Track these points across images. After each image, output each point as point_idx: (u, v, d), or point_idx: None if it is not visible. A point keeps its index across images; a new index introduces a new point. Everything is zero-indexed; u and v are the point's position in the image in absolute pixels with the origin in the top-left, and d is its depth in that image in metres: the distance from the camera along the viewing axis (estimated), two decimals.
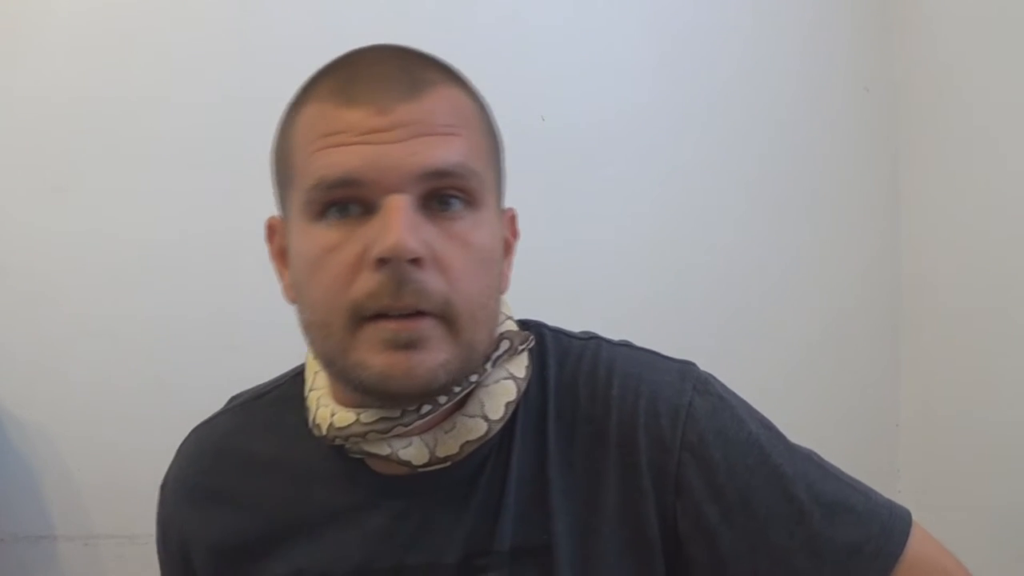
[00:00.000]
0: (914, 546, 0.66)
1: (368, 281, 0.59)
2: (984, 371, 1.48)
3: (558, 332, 0.74)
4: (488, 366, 0.66)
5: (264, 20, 1.46)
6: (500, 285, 0.67)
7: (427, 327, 0.60)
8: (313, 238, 0.62)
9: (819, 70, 1.66)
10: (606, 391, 0.69)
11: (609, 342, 0.73)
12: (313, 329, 0.63)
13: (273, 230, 0.70)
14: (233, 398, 0.79)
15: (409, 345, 0.59)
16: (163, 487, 0.77)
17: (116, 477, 1.38)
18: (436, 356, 0.60)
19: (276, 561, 0.69)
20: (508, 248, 0.70)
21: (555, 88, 1.54)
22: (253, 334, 1.39)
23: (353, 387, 0.62)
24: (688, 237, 1.61)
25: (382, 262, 0.58)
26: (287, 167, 0.65)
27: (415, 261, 0.59)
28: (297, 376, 0.75)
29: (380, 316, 0.60)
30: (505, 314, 0.70)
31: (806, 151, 1.66)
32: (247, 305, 1.40)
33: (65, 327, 1.40)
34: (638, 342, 0.76)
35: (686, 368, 0.71)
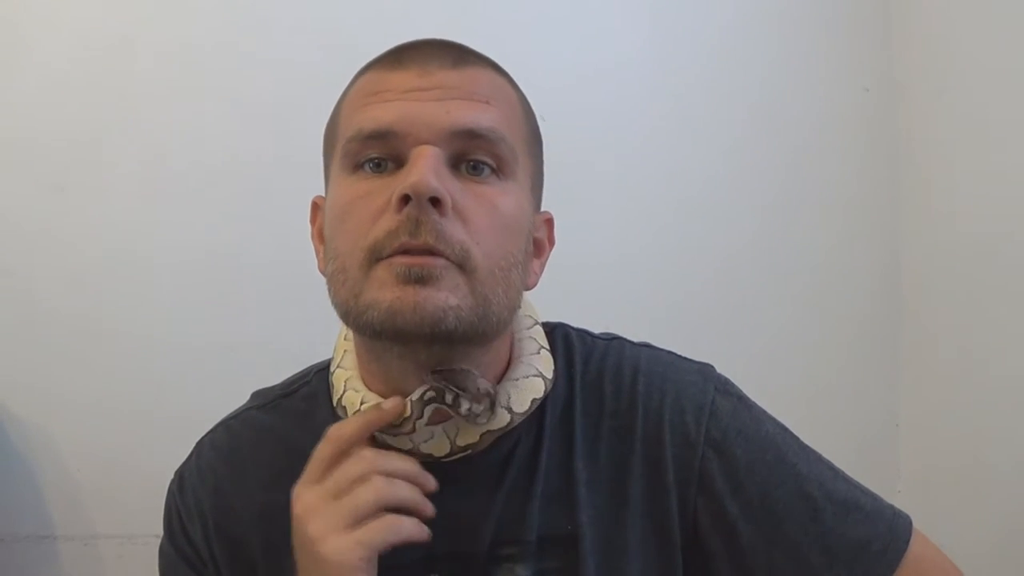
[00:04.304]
0: (916, 547, 0.68)
1: (389, 221, 0.61)
2: (984, 371, 1.48)
3: (583, 332, 0.76)
4: (518, 359, 0.67)
5: (267, 22, 1.46)
6: (525, 267, 0.67)
7: (440, 265, 0.60)
8: (346, 188, 0.64)
9: (819, 70, 1.66)
10: (631, 388, 0.71)
11: (631, 342, 0.76)
12: (335, 282, 0.64)
13: (317, 208, 0.71)
14: (257, 394, 0.78)
15: (419, 280, 0.59)
16: (182, 476, 0.75)
17: (116, 477, 1.38)
18: (446, 297, 0.60)
19: None
20: (540, 248, 0.71)
21: (555, 88, 1.54)
22: (253, 335, 1.39)
23: (367, 333, 0.62)
24: (686, 237, 1.61)
25: (404, 201, 0.60)
26: (332, 134, 0.68)
27: (436, 204, 0.60)
28: (321, 371, 0.75)
29: (396, 254, 0.60)
30: (533, 318, 0.72)
31: (806, 151, 1.66)
32: (248, 306, 1.40)
33: (65, 328, 1.40)
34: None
35: (706, 369, 0.74)
